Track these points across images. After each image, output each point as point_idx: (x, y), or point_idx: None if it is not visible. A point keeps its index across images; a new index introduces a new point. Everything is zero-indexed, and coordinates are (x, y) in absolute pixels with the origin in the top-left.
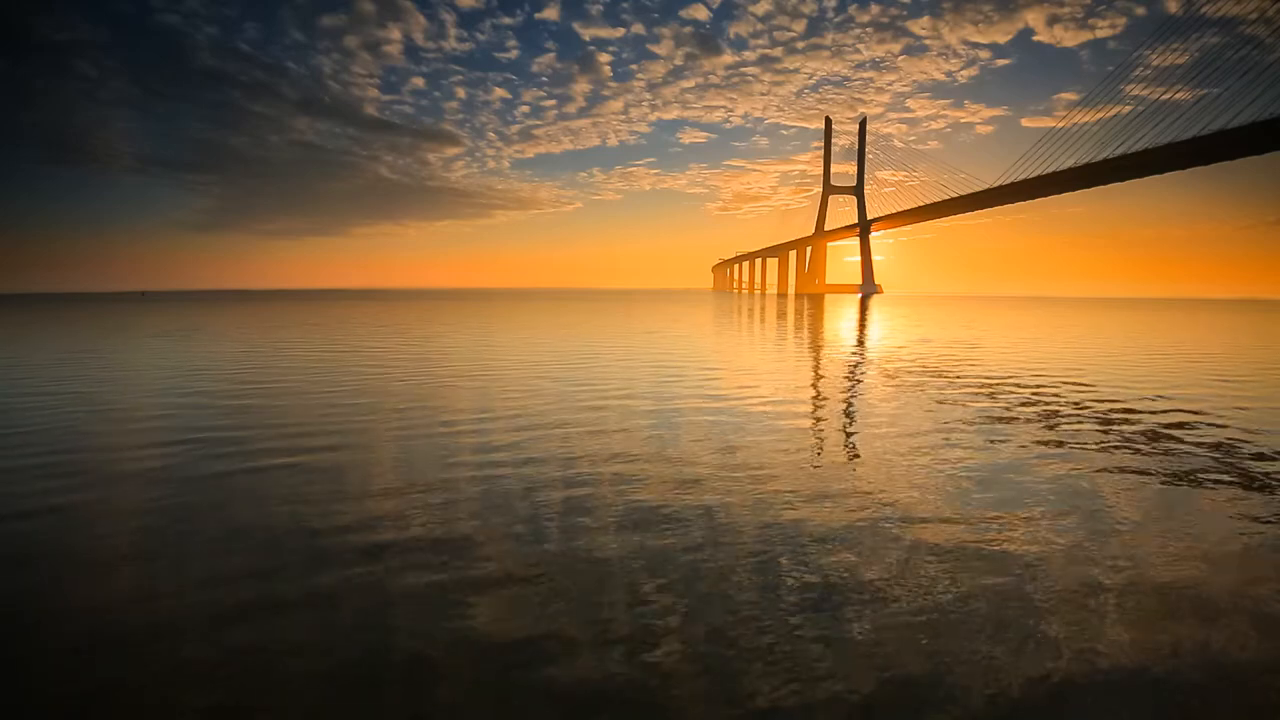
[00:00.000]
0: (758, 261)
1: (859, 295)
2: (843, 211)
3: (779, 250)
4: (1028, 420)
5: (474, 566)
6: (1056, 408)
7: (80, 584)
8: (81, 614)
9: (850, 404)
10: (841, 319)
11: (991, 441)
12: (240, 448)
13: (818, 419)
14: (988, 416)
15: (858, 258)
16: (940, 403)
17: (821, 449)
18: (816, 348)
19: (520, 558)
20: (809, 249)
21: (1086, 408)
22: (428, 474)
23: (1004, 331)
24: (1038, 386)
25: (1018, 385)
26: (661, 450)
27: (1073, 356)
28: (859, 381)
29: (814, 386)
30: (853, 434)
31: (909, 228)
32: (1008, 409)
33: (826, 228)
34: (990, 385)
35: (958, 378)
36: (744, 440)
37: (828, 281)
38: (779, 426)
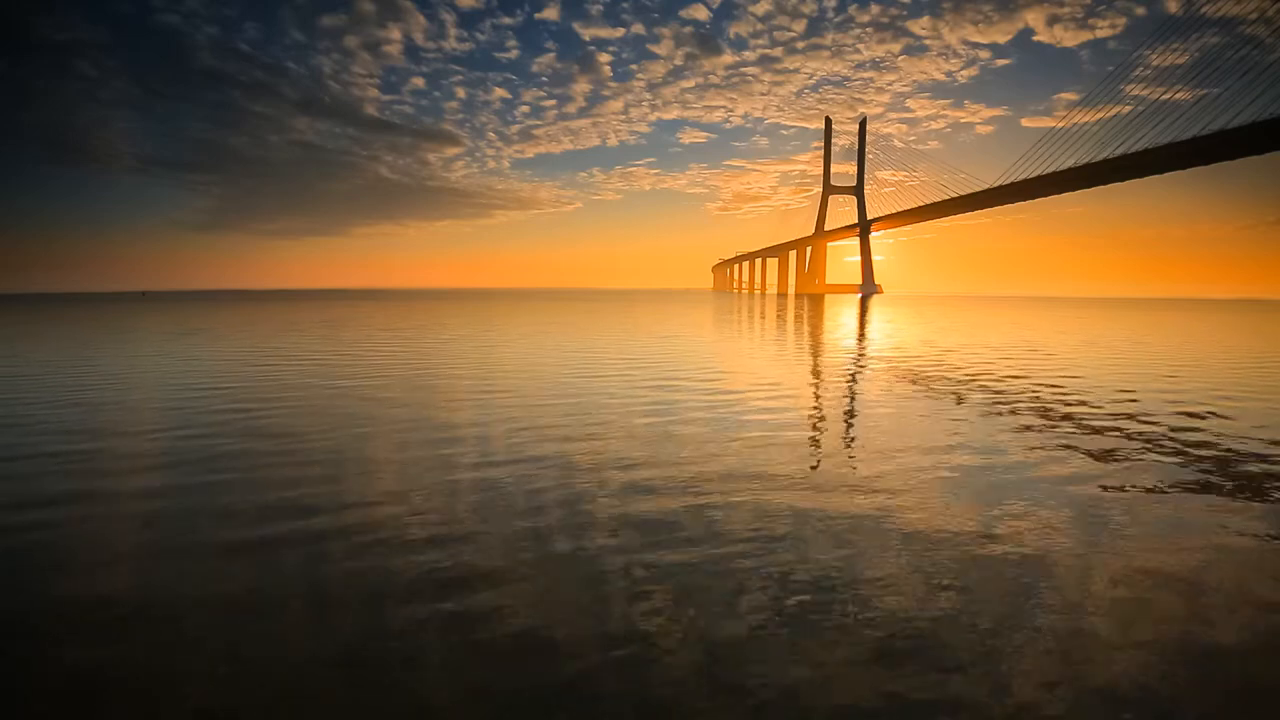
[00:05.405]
0: (758, 262)
1: (859, 295)
2: (843, 211)
3: (779, 250)
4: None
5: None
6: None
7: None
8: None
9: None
10: (855, 321)
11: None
12: (246, 463)
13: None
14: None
15: (858, 258)
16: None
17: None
18: (857, 358)
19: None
20: (809, 249)
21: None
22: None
23: (1028, 334)
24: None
25: (1088, 404)
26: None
27: (1154, 368)
28: (938, 400)
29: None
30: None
31: (909, 228)
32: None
33: (826, 228)
34: (1089, 410)
35: (1061, 401)
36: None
37: (828, 281)
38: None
